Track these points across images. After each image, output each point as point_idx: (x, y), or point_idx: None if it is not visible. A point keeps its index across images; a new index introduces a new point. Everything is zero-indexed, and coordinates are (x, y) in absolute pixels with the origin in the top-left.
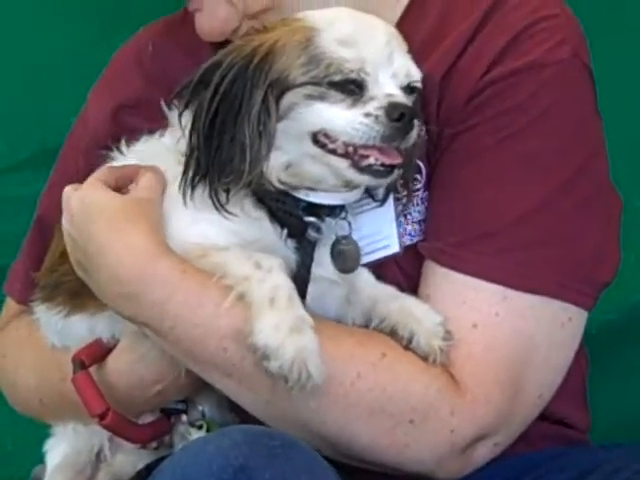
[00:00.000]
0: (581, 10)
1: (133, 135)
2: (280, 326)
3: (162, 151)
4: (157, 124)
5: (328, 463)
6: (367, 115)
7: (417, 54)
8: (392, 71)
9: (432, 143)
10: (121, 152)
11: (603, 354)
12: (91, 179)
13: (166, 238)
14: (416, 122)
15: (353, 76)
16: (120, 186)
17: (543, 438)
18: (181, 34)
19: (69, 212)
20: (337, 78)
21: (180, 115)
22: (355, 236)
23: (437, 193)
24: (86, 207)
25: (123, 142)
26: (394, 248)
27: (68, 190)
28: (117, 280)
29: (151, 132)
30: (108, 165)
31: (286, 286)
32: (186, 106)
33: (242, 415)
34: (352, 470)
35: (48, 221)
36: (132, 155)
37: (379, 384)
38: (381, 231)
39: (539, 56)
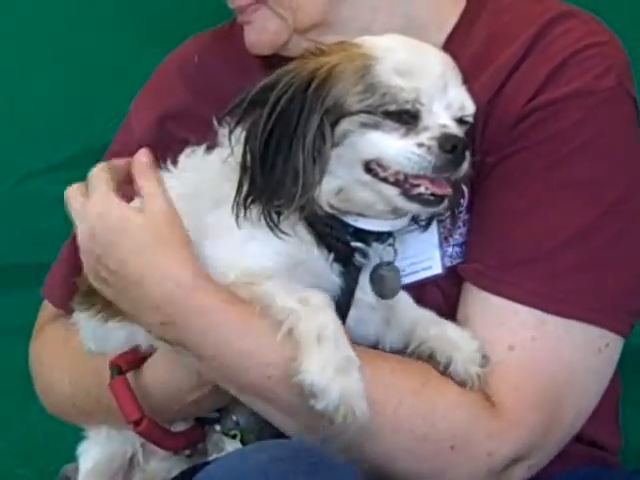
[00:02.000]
0: (627, 37)
1: (177, 146)
2: (327, 366)
3: (210, 168)
4: (201, 136)
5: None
6: (420, 145)
7: (464, 76)
8: (446, 102)
9: (475, 168)
10: (167, 168)
11: (635, 374)
12: (102, 191)
13: (211, 260)
14: (467, 154)
15: (408, 107)
16: (119, 181)
17: (574, 458)
18: (228, 46)
19: (88, 226)
20: (392, 108)
21: (231, 133)
22: (399, 257)
23: (479, 216)
24: (107, 225)
25: (172, 157)
26: (436, 269)
27: (75, 195)
28: (156, 308)
29: (194, 144)
30: (100, 166)
31: (333, 324)
32: (237, 123)
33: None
34: None
35: None
36: (179, 171)
37: (421, 411)
38: (424, 252)
39: (585, 84)
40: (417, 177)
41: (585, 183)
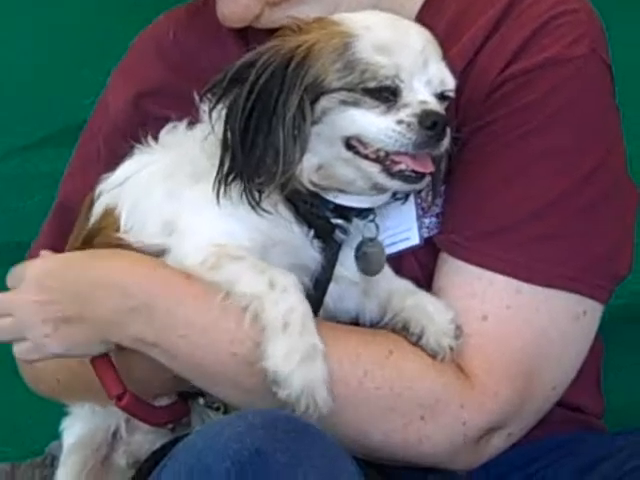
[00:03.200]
0: (600, 4)
1: (154, 122)
2: (292, 354)
3: (192, 144)
4: (178, 112)
5: (344, 451)
6: (400, 122)
7: None
8: (427, 78)
9: (456, 143)
10: (148, 144)
11: (616, 338)
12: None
13: (184, 232)
14: (448, 130)
15: (388, 83)
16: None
17: (557, 423)
18: (202, 20)
19: (30, 284)
20: (372, 85)
21: (211, 110)
22: (380, 225)
23: (454, 187)
24: (51, 267)
25: (150, 132)
26: (414, 240)
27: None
28: (122, 295)
29: (173, 121)
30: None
31: (301, 309)
32: (218, 101)
33: None
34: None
35: (69, 206)
36: (161, 147)
37: (386, 382)
38: (402, 224)
39: (558, 52)
40: (398, 154)
41: (559, 151)
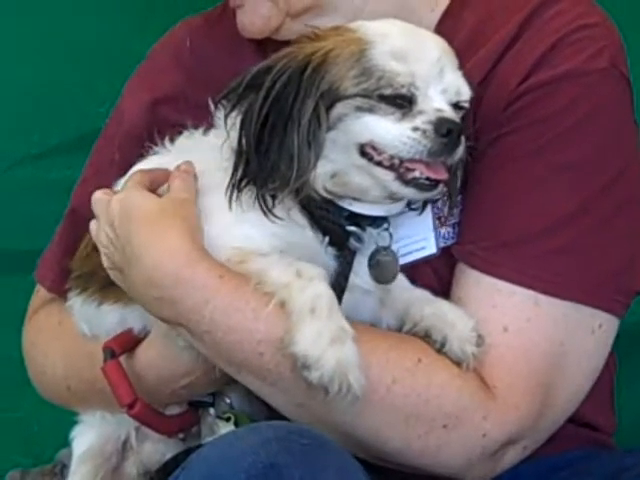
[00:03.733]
0: (620, 18)
1: (169, 129)
2: (321, 336)
3: (207, 150)
4: (194, 119)
5: (358, 463)
6: (415, 129)
7: (457, 56)
8: (442, 87)
9: (468, 148)
10: (164, 147)
11: (628, 356)
12: (129, 183)
13: (206, 240)
14: (463, 138)
15: (403, 91)
16: (154, 188)
17: (569, 440)
18: (220, 29)
19: (109, 216)
20: (387, 92)
21: (226, 117)
22: (394, 234)
23: (472, 197)
24: (125, 209)
25: (166, 138)
26: (430, 250)
27: (101, 196)
28: (154, 284)
29: (191, 127)
30: (139, 168)
31: (327, 295)
32: (233, 108)
33: (271, 409)
34: (381, 469)
35: (82, 213)
36: (176, 150)
37: (415, 389)
38: (418, 233)
39: (577, 65)
40: (412, 161)
41: (577, 164)
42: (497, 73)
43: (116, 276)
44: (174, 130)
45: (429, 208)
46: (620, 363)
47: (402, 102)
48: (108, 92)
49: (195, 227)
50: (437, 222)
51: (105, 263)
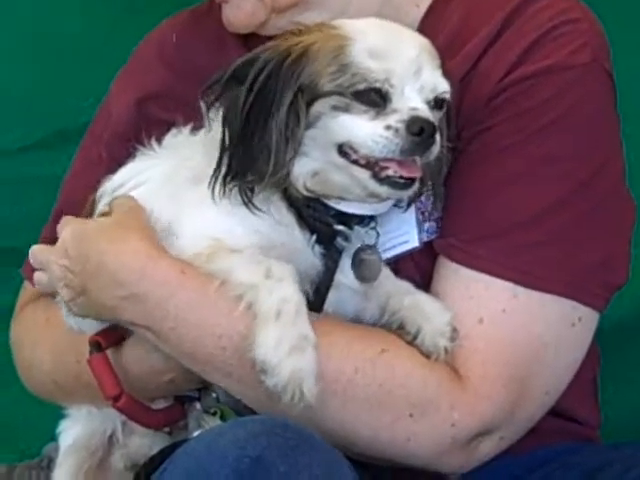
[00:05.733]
0: (604, 15)
1: (157, 127)
2: (281, 344)
3: (192, 148)
4: (181, 116)
5: (345, 458)
6: (387, 128)
7: (440, 53)
8: (419, 85)
9: (451, 142)
10: (152, 146)
11: (614, 351)
12: (68, 220)
13: (183, 231)
14: (437, 137)
15: (377, 85)
16: None
17: (553, 434)
18: (205, 26)
19: (62, 247)
20: (361, 87)
21: (208, 109)
22: (380, 232)
23: (453, 191)
24: (78, 234)
25: (154, 136)
26: (413, 243)
27: (40, 246)
28: (118, 283)
29: (180, 125)
30: (129, 167)
31: (294, 300)
32: (215, 100)
33: None
34: (370, 465)
35: (69, 209)
36: (161, 150)
37: (376, 379)
38: (401, 227)
39: (559, 59)
40: (385, 160)
41: (558, 158)
42: (480, 69)
43: (81, 301)
44: (162, 128)
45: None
46: (605, 359)
47: (376, 99)
48: (92, 87)
49: (151, 230)
50: (420, 216)
51: (66, 297)
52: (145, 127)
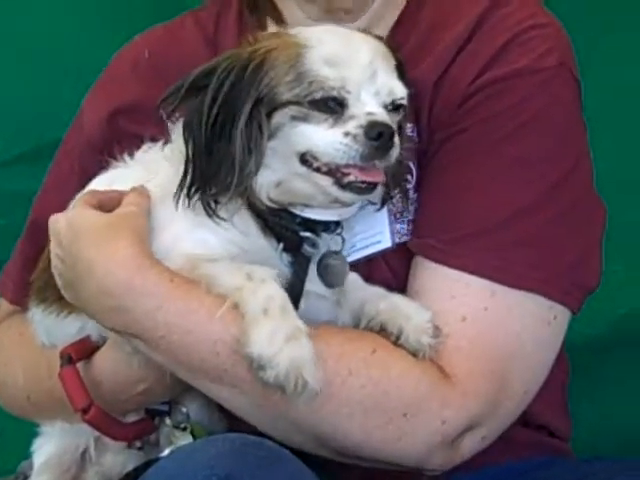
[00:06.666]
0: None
1: (129, 141)
2: (275, 336)
3: (163, 161)
4: (153, 129)
5: (315, 475)
6: (346, 135)
7: (409, 60)
8: (374, 89)
9: (423, 146)
10: (123, 160)
11: (587, 367)
12: (77, 202)
13: (162, 249)
14: (396, 140)
15: (334, 94)
16: (105, 209)
17: (526, 446)
18: (179, 41)
19: (57, 236)
20: (318, 95)
21: (169, 117)
22: (348, 234)
23: (428, 193)
24: (73, 227)
25: (126, 149)
26: (386, 244)
27: (55, 216)
28: (106, 293)
29: (150, 139)
30: (91, 188)
31: (279, 296)
32: (174, 110)
33: (230, 418)
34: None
35: (42, 224)
36: (134, 164)
37: (371, 380)
38: (374, 227)
39: (528, 63)
40: (347, 166)
41: (531, 160)
42: (451, 72)
43: (70, 294)
44: (133, 140)
45: None
46: (578, 375)
47: (334, 107)
48: (69, 102)
49: (144, 237)
50: (393, 218)
51: (58, 282)
52: (117, 140)
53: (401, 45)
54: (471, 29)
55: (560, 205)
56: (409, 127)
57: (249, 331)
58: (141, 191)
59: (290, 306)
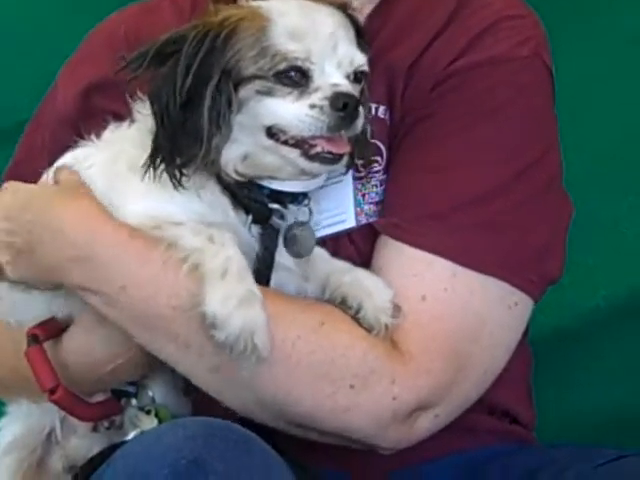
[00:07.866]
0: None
1: (101, 116)
2: (230, 298)
3: (128, 138)
4: (126, 106)
5: (283, 459)
6: (312, 106)
7: (387, 43)
8: (337, 60)
9: (395, 129)
10: (91, 138)
11: (552, 356)
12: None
13: (121, 213)
14: (361, 110)
15: (298, 63)
16: None
17: (489, 434)
18: (156, 19)
19: (2, 209)
20: (282, 67)
21: (130, 80)
22: (315, 209)
23: (395, 173)
24: (20, 198)
25: (99, 127)
26: (350, 223)
27: None
28: (68, 244)
29: (121, 114)
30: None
31: (238, 260)
32: (134, 78)
33: (197, 402)
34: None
35: None
36: (99, 142)
37: (321, 346)
38: (339, 206)
39: (502, 52)
40: (313, 138)
41: (497, 145)
42: (426, 56)
43: (21, 264)
44: (106, 117)
45: (350, 182)
46: (543, 364)
47: (298, 78)
48: (40, 83)
49: (98, 199)
50: (361, 198)
51: (2, 258)
52: (91, 116)
53: (379, 30)
54: (448, 17)
55: (525, 193)
56: (382, 109)
57: (206, 290)
58: (70, 171)
59: (247, 270)
